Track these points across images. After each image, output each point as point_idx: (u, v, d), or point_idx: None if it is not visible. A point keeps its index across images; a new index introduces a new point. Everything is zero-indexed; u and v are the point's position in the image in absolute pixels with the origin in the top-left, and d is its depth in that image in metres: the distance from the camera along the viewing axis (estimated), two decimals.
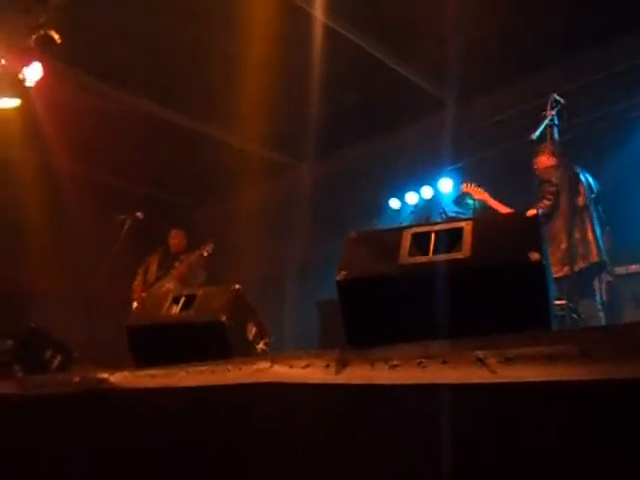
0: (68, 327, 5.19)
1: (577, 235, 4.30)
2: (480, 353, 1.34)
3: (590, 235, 4.34)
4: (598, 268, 4.45)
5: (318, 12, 5.49)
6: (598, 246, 4.32)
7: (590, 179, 4.64)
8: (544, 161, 4.53)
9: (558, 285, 4.01)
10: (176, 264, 5.77)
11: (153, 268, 5.85)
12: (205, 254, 5.75)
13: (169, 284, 5.58)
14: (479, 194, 4.92)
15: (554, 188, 4.23)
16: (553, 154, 4.31)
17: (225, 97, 6.32)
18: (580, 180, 4.52)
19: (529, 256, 1.49)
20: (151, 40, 5.78)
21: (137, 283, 5.85)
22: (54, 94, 5.57)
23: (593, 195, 4.56)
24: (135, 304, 5.51)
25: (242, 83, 5.94)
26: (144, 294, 5.37)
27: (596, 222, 4.43)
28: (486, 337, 1.38)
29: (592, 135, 5.84)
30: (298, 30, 5.56)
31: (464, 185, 5.08)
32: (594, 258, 4.29)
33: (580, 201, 4.43)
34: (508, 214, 3.51)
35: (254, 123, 6.60)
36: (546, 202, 4.32)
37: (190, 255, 5.76)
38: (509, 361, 1.29)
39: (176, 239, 6.01)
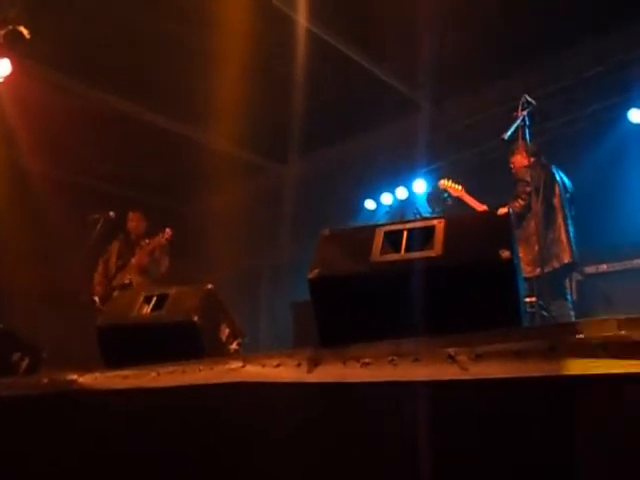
0: (37, 327, 5.08)
1: (551, 235, 4.37)
2: (451, 350, 1.34)
3: (564, 236, 4.40)
4: (570, 269, 4.52)
5: (297, 14, 5.48)
6: (571, 247, 4.39)
7: (565, 179, 4.70)
8: (520, 160, 4.58)
9: (530, 284, 4.07)
10: (136, 251, 5.59)
11: (113, 259, 5.64)
12: (164, 241, 5.54)
13: (130, 275, 5.42)
14: (456, 191, 4.94)
15: (529, 188, 4.28)
16: (528, 153, 4.37)
17: (202, 96, 6.27)
18: (556, 180, 4.58)
19: (500, 254, 1.50)
20: (124, 37, 5.70)
21: (97, 274, 5.62)
22: (23, 91, 5.46)
23: (568, 195, 4.63)
24: (96, 299, 5.32)
25: (220, 82, 5.90)
26: (115, 292, 5.20)
27: (570, 222, 4.50)
28: (457, 334, 1.39)
29: (566, 136, 5.94)
30: (277, 31, 5.55)
31: (441, 182, 5.09)
32: (567, 259, 4.36)
33: (555, 201, 4.49)
34: (479, 212, 3.55)
35: (231, 123, 6.56)
36: (520, 202, 4.36)
37: (149, 243, 5.55)
38: (479, 358, 1.30)
39: (134, 222, 5.78)
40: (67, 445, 2.24)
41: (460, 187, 4.94)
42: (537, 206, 4.10)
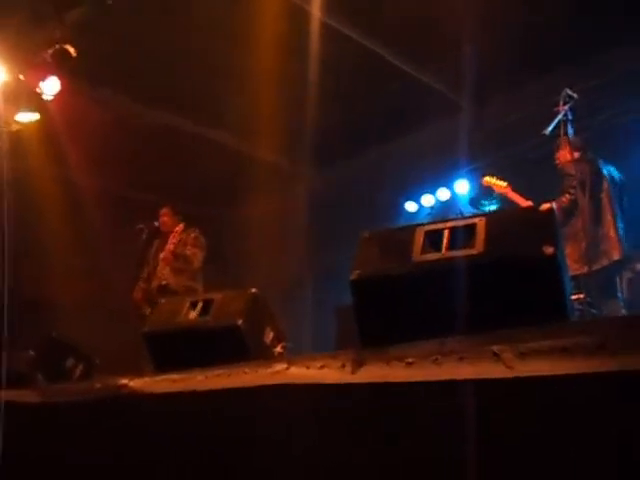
0: (89, 335, 5.25)
1: (599, 231, 4.23)
2: (496, 348, 1.33)
3: (613, 232, 4.26)
4: (620, 266, 4.37)
5: (332, 20, 5.51)
6: (621, 243, 4.25)
7: (614, 173, 4.54)
8: (564, 155, 4.44)
9: (578, 282, 3.96)
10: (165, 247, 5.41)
11: (151, 262, 5.49)
12: (193, 235, 5.41)
13: (164, 275, 5.26)
14: (500, 188, 4.82)
15: (575, 182, 4.15)
16: (573, 148, 4.25)
17: (240, 107, 6.35)
18: (603, 174, 4.43)
19: (543, 250, 1.48)
20: (163, 52, 5.85)
21: (141, 281, 5.49)
22: (71, 107, 5.64)
23: (617, 190, 4.48)
24: (141, 305, 5.28)
25: (256, 93, 5.97)
26: (154, 293, 5.15)
27: (619, 218, 4.35)
28: (502, 332, 1.37)
29: (614, 130, 5.78)
30: (310, 37, 5.59)
31: (485, 178, 4.96)
32: (617, 255, 4.22)
33: (603, 196, 4.34)
34: (521, 209, 3.48)
35: (269, 131, 6.63)
36: (567, 196, 4.23)
37: (172, 240, 5.40)
38: (525, 355, 1.28)
39: (165, 216, 5.61)
40: (120, 447, 2.30)
41: (505, 183, 4.82)
42: (584, 201, 3.99)
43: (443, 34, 5.63)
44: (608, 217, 4.27)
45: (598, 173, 4.40)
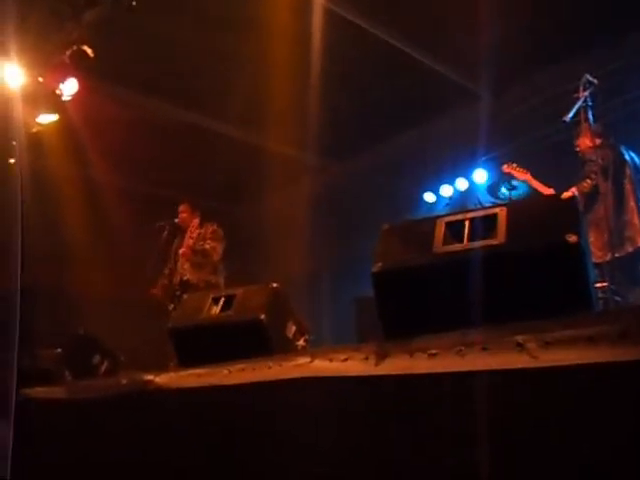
0: (114, 332, 5.32)
1: (623, 218, 4.17)
2: (520, 338, 1.33)
3: (636, 218, 4.20)
4: None
5: (349, 13, 5.50)
6: None
7: (636, 159, 4.48)
8: (585, 142, 4.39)
9: (602, 270, 3.91)
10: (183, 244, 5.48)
11: (172, 258, 5.55)
12: (210, 229, 5.45)
13: (185, 270, 5.33)
14: (522, 174, 4.78)
15: (596, 167, 4.09)
16: (594, 134, 4.20)
17: (256, 101, 6.37)
18: (626, 160, 4.36)
19: (566, 238, 1.47)
20: (180, 50, 5.89)
21: (163, 278, 5.54)
22: (90, 107, 5.71)
23: (639, 176, 4.41)
24: (165, 301, 5.34)
25: (272, 86, 5.98)
26: (176, 290, 5.20)
27: None
28: (525, 322, 1.37)
29: (636, 113, 5.68)
30: (326, 29, 5.57)
31: (505, 166, 4.93)
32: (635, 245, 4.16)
33: (626, 182, 4.28)
34: (543, 197, 3.45)
35: (285, 124, 6.63)
36: (588, 182, 4.17)
37: (190, 235, 5.46)
38: (549, 345, 1.28)
39: (184, 213, 5.65)
40: (146, 442, 2.34)
41: (525, 170, 4.79)
42: (607, 187, 3.94)
43: (459, 23, 5.58)
44: (631, 203, 4.21)
45: (621, 159, 4.33)
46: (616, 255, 3.80)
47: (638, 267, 4.27)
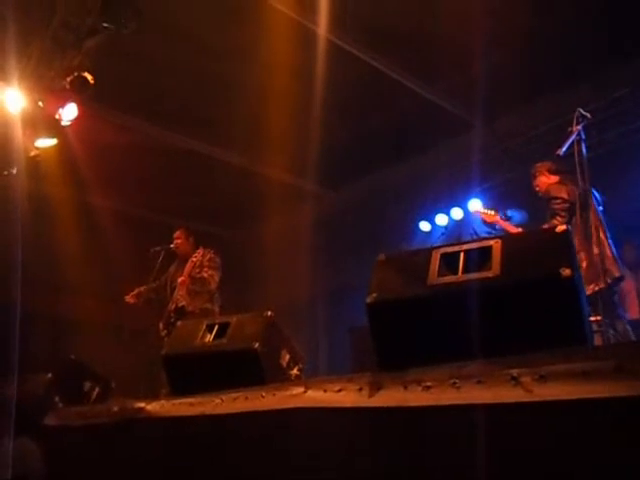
0: (106, 357, 5.28)
1: (596, 251, 4.17)
2: (514, 372, 1.33)
3: (608, 250, 4.21)
4: (619, 283, 4.32)
5: (343, 42, 5.59)
6: (616, 260, 4.19)
7: (595, 192, 4.53)
8: (544, 181, 4.51)
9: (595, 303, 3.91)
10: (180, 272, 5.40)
11: (168, 284, 5.47)
12: (208, 256, 5.39)
13: (181, 297, 5.25)
14: (489, 217, 4.85)
15: (566, 205, 4.16)
16: (550, 172, 4.29)
17: (252, 127, 6.45)
18: (590, 195, 4.39)
19: (560, 272, 1.48)
20: (179, 77, 5.97)
21: (157, 303, 5.50)
22: (89, 131, 5.75)
23: (601, 208, 4.45)
24: (160, 327, 5.30)
25: (268, 113, 6.05)
26: (172, 316, 5.15)
27: (609, 235, 4.30)
28: (520, 355, 1.37)
29: (622, 148, 5.77)
30: (321, 59, 5.66)
31: (474, 208, 5.03)
32: (617, 272, 4.16)
33: (592, 216, 4.30)
34: (537, 230, 3.45)
35: (281, 151, 6.70)
36: (559, 219, 4.21)
37: (192, 259, 5.40)
38: (544, 379, 1.28)
39: (179, 239, 5.59)
40: (137, 470, 2.30)
41: (492, 212, 4.85)
42: (578, 222, 3.98)
43: (452, 52, 5.68)
44: (601, 236, 4.19)
45: (584, 193, 4.34)
46: (596, 289, 3.81)
47: (614, 298, 4.27)
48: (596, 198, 4.41)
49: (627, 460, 1.12)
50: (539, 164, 4.28)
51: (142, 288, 5.52)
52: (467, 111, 6.70)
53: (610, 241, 4.23)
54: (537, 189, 4.62)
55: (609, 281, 4.09)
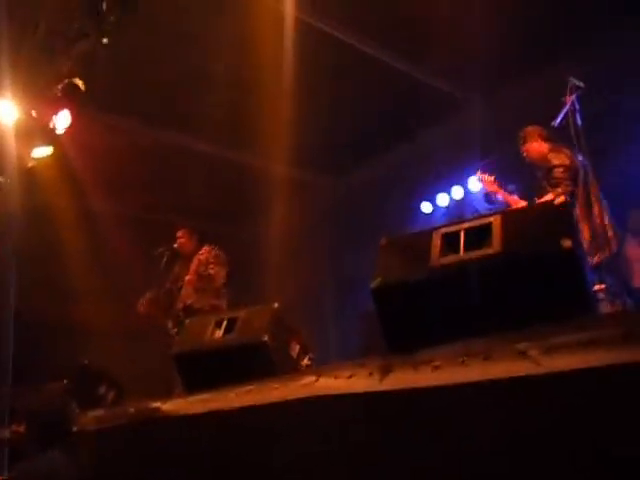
0: (118, 361, 5.31)
1: (596, 221, 4.08)
2: (522, 345, 1.33)
3: (607, 219, 4.13)
4: (618, 253, 4.26)
5: (332, 28, 5.57)
6: (615, 230, 4.12)
7: (584, 161, 4.42)
8: (536, 147, 4.31)
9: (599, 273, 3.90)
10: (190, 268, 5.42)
11: (173, 284, 5.47)
12: (213, 253, 5.40)
13: (188, 295, 5.28)
14: (490, 185, 4.68)
15: (570, 173, 3.99)
16: (543, 138, 4.14)
17: (247, 121, 6.43)
18: (585, 164, 4.28)
19: (561, 244, 1.48)
20: (172, 75, 5.96)
21: (164, 303, 5.46)
22: (84, 137, 5.75)
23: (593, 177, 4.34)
24: (169, 326, 5.30)
25: (266, 107, 6.03)
26: (180, 315, 5.16)
27: (605, 204, 4.20)
28: (526, 329, 1.37)
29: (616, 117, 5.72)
30: (315, 48, 5.64)
31: (478, 174, 4.84)
32: (615, 244, 4.09)
33: (591, 185, 4.18)
34: (537, 204, 3.42)
35: (278, 143, 6.68)
36: (563, 188, 4.01)
37: (196, 258, 5.43)
38: (552, 350, 1.28)
39: (183, 238, 5.58)
40: (157, 470, 2.33)
41: (492, 178, 4.68)
42: (579, 191, 3.89)
43: (444, 30, 5.63)
44: (601, 206, 4.11)
45: (583, 162, 4.25)
46: (602, 257, 3.78)
47: (621, 267, 4.23)
48: (587, 166, 4.32)
49: (638, 426, 1.13)
50: (529, 128, 4.10)
51: (150, 294, 5.51)
52: (461, 89, 6.67)
53: (608, 209, 4.16)
54: (525, 154, 4.42)
55: (614, 249, 4.05)
